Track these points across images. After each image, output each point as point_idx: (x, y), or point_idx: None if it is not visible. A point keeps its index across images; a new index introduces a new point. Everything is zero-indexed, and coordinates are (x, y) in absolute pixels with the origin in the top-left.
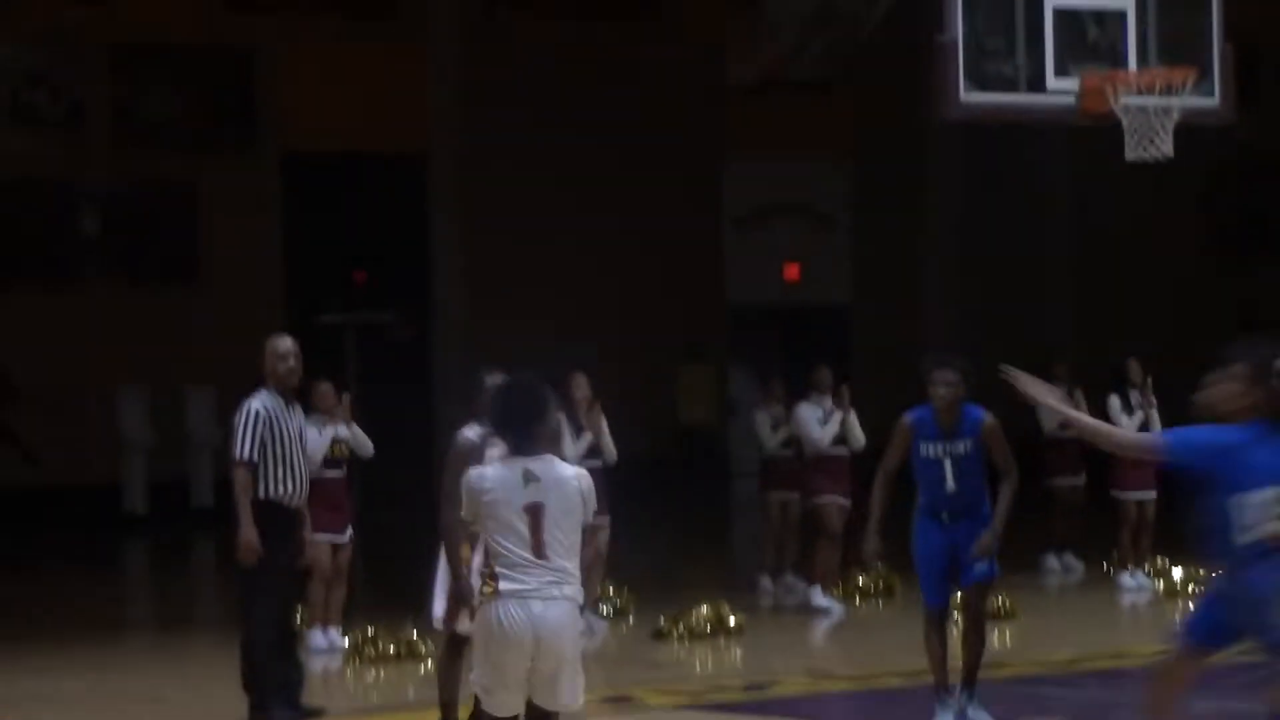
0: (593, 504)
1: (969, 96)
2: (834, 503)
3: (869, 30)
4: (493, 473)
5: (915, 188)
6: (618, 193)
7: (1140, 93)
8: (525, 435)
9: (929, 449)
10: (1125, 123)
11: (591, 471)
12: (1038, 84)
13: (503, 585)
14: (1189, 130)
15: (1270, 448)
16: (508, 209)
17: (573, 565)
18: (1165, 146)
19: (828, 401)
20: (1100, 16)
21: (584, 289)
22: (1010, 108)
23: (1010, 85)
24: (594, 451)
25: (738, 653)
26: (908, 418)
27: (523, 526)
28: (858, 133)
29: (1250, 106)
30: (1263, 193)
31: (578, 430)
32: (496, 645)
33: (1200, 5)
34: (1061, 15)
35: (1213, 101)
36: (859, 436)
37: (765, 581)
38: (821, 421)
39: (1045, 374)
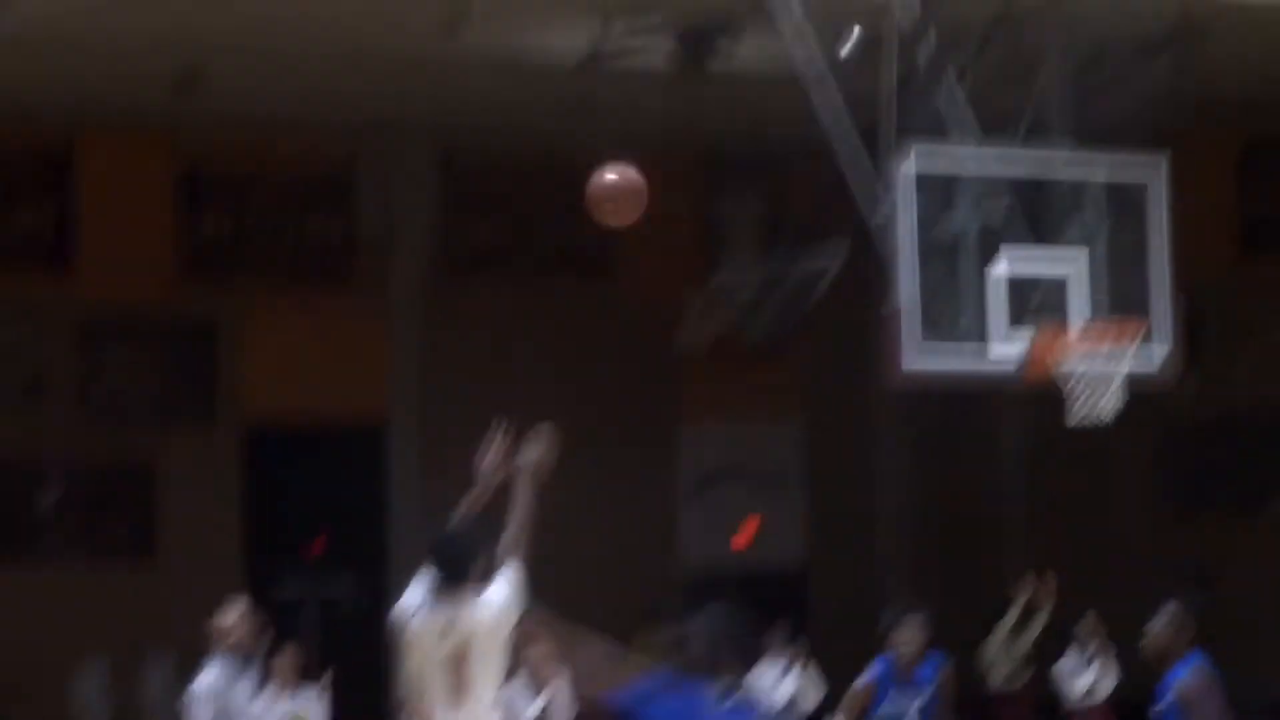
0: None
1: (917, 361)
2: None
3: (818, 298)
4: None
5: (866, 449)
6: (574, 462)
7: (1085, 355)
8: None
9: (891, 703)
10: (1070, 386)
11: None
12: (983, 348)
13: None
14: (1141, 389)
15: None
16: (467, 478)
17: None
18: (1110, 407)
19: (784, 661)
20: (1044, 280)
21: (541, 557)
22: (958, 372)
23: (957, 350)
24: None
25: None
26: (866, 680)
27: None
28: (808, 397)
29: (1195, 365)
30: (1217, 451)
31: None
32: None
33: (1145, 264)
34: (1007, 281)
35: (1155, 362)
36: (811, 693)
37: None
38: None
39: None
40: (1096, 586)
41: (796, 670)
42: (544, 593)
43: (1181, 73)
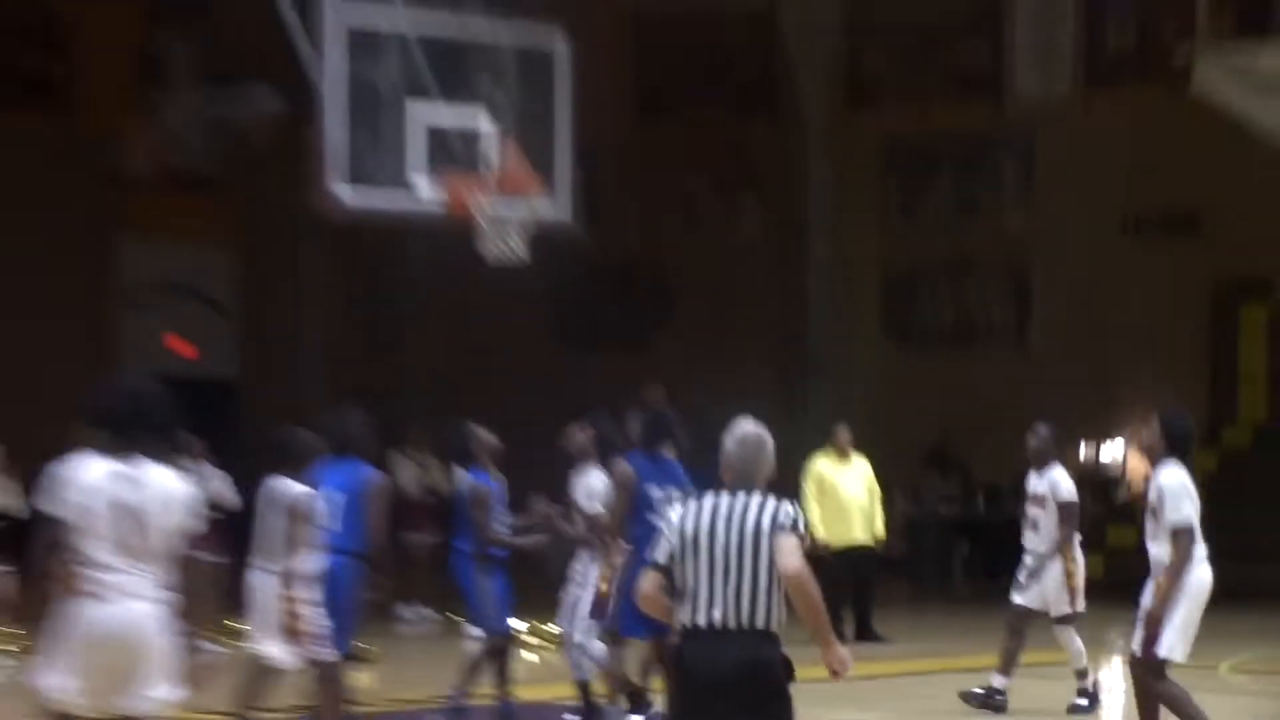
0: None
1: (345, 196)
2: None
3: (257, 132)
4: None
5: (296, 274)
6: (21, 275)
7: (497, 197)
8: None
9: None
10: (483, 227)
11: None
12: (407, 187)
13: None
14: (538, 237)
15: None
16: None
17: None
18: (518, 249)
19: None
20: (463, 132)
21: None
22: (382, 208)
23: (383, 188)
24: None
25: None
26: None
27: None
28: (245, 223)
29: (591, 215)
30: (600, 292)
31: None
32: None
33: (551, 125)
34: (428, 128)
35: (560, 211)
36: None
37: None
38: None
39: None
40: (492, 413)
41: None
42: None
43: None
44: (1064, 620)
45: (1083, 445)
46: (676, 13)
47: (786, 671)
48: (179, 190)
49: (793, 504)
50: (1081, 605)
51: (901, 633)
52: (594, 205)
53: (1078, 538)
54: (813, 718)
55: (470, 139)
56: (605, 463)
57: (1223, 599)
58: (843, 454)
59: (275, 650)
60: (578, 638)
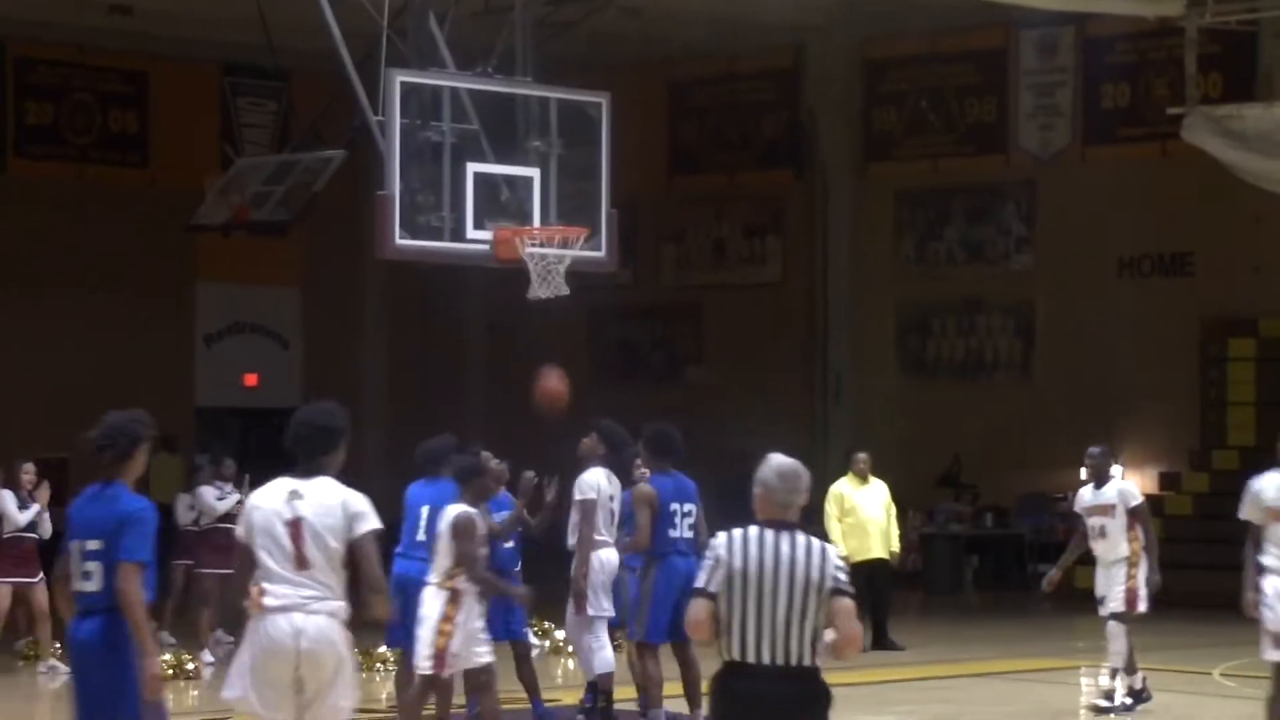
0: None
1: (403, 241)
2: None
3: (320, 184)
4: None
5: (354, 312)
6: (108, 310)
7: (542, 245)
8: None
9: None
10: (529, 268)
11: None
12: (460, 234)
13: None
14: (579, 278)
15: None
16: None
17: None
18: (561, 288)
19: (228, 485)
20: (512, 182)
21: (81, 387)
22: (437, 252)
23: (438, 234)
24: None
25: (194, 694)
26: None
27: None
28: (308, 267)
29: (629, 259)
30: (636, 329)
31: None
32: None
33: (593, 177)
34: (480, 179)
35: (601, 254)
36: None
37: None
38: (219, 498)
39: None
40: (535, 441)
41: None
42: (81, 416)
43: (623, 19)
44: (1119, 618)
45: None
46: (707, 74)
47: (827, 703)
48: (250, 238)
49: (834, 552)
50: (1143, 607)
51: (916, 640)
52: (632, 249)
53: (1143, 541)
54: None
55: (518, 189)
56: (611, 463)
57: (1216, 609)
58: (862, 477)
59: (438, 660)
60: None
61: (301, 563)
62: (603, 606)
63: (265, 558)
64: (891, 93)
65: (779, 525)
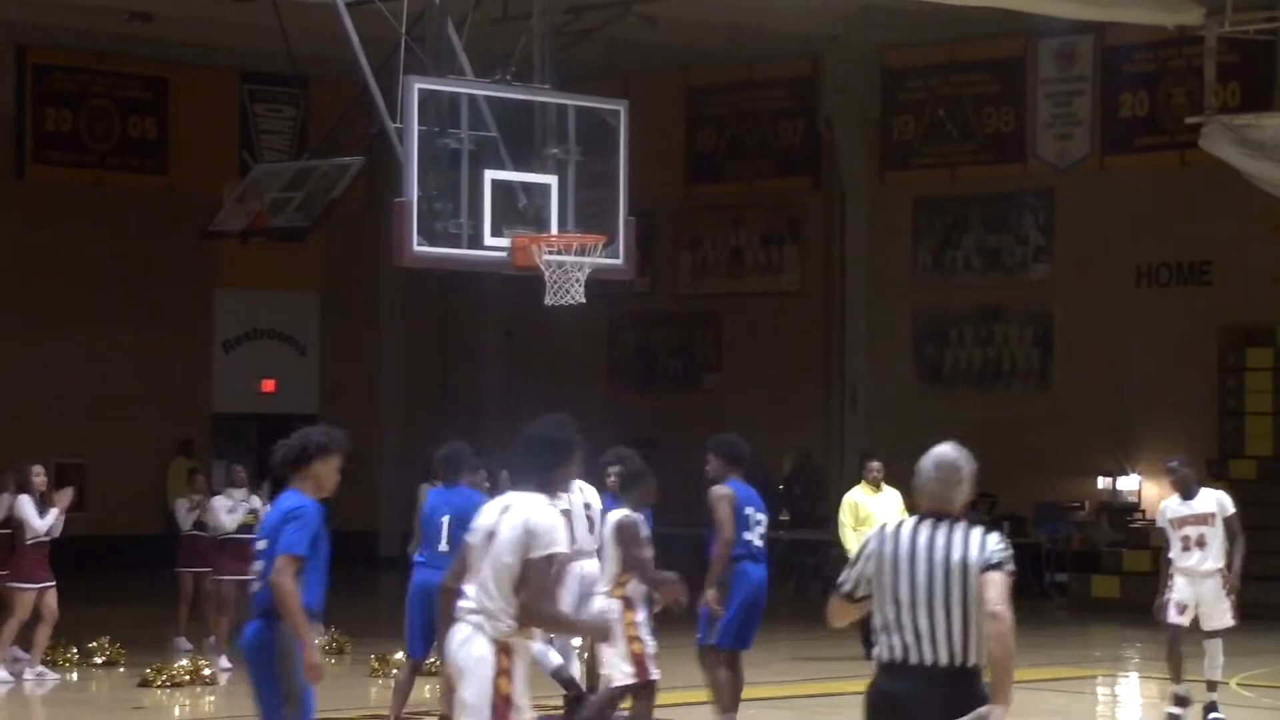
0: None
1: (420, 248)
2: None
3: (339, 190)
4: None
5: (372, 318)
6: (126, 316)
7: (559, 252)
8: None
9: None
10: (546, 275)
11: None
12: (477, 241)
13: None
14: (597, 285)
15: None
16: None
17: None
18: (578, 295)
19: (242, 492)
20: (530, 189)
21: (99, 397)
22: (455, 259)
23: (455, 241)
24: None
25: (210, 699)
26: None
27: None
28: (326, 272)
29: (647, 267)
30: (655, 336)
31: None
32: None
33: (611, 184)
34: (498, 186)
35: (619, 261)
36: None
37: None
38: (230, 510)
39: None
40: None
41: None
42: (99, 421)
43: (641, 27)
44: (1217, 634)
45: (1101, 477)
46: (726, 83)
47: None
48: (268, 244)
49: (999, 536)
50: (1235, 618)
51: None
52: (650, 257)
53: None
54: None
55: (536, 196)
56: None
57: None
58: (875, 485)
59: (640, 666)
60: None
61: (478, 574)
62: None
63: (472, 564)
64: (909, 101)
65: (938, 516)
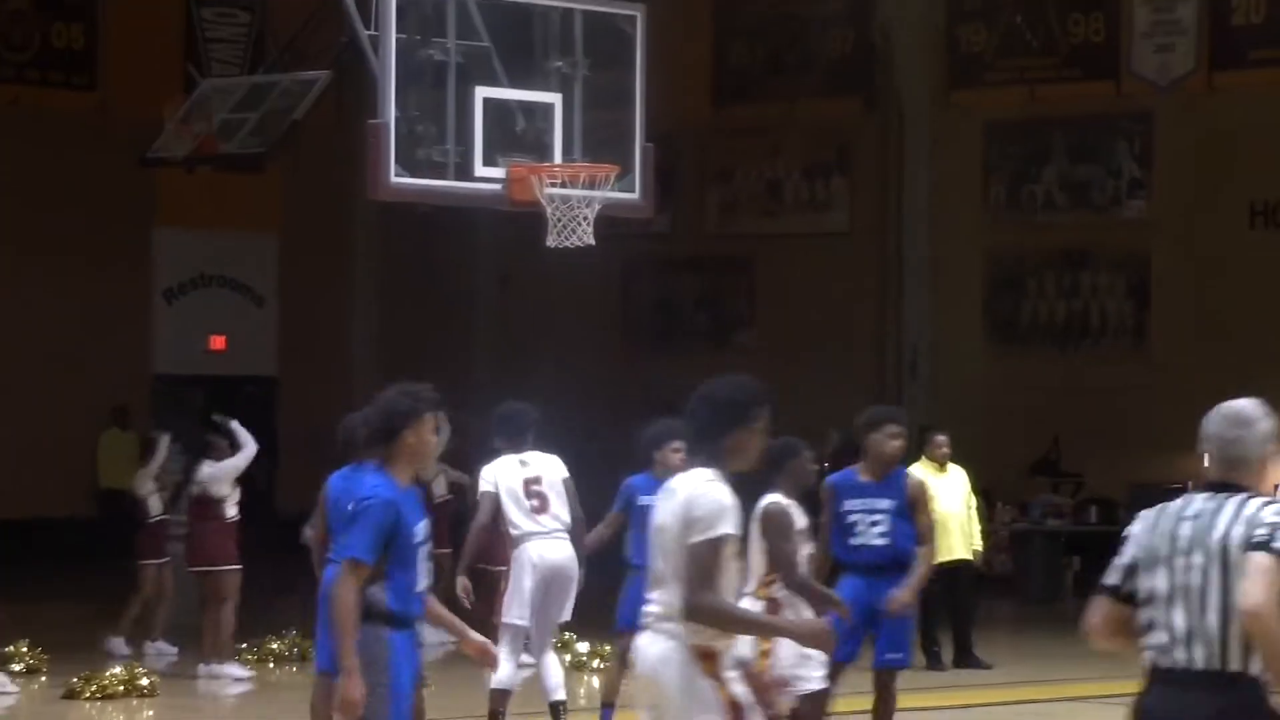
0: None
1: (399, 179)
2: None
3: (301, 111)
4: None
5: (342, 263)
6: (47, 259)
7: (564, 185)
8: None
9: None
10: (549, 212)
11: None
12: (467, 171)
13: None
14: (609, 224)
15: None
16: None
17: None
18: (586, 236)
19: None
20: (529, 110)
21: (7, 355)
22: (440, 192)
23: (440, 171)
24: None
25: (148, 713)
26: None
27: None
28: (287, 209)
29: (668, 203)
30: (675, 285)
31: None
32: None
33: (625, 104)
34: (491, 106)
35: (634, 196)
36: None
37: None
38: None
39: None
40: (567, 407)
41: None
42: (14, 384)
43: None
44: None
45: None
46: None
47: None
48: (218, 174)
49: (1274, 509)
50: None
51: (1006, 657)
52: (671, 192)
53: None
54: None
55: (536, 119)
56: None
57: None
58: (940, 464)
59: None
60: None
61: (659, 574)
62: (513, 613)
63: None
64: (981, 6)
65: (1219, 487)
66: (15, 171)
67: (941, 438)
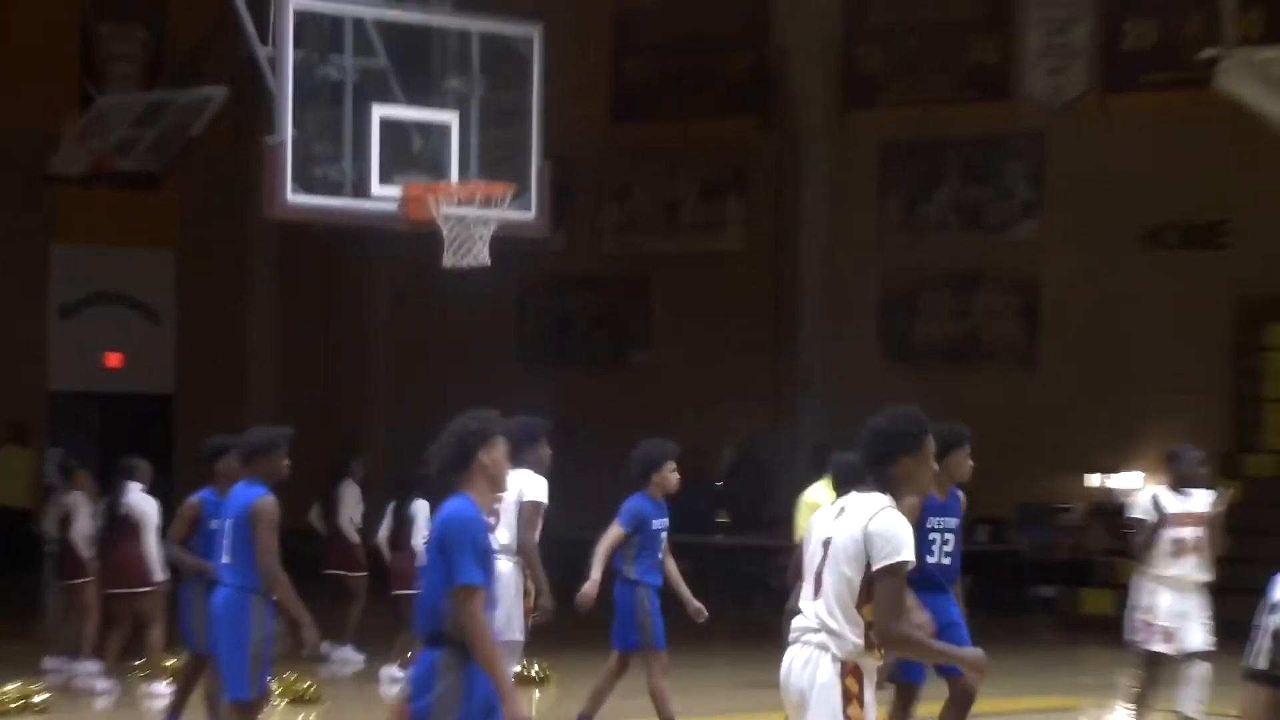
0: None
1: (296, 197)
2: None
3: (198, 128)
4: None
5: (239, 280)
6: None
7: (460, 204)
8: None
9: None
10: (445, 231)
11: None
12: (363, 189)
13: None
14: (505, 243)
15: None
16: None
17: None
18: (482, 255)
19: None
20: (426, 129)
21: None
22: (336, 211)
23: (337, 189)
24: None
25: None
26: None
27: None
28: (185, 226)
29: (564, 222)
30: (571, 304)
31: None
32: None
33: (522, 123)
34: (388, 125)
35: (530, 215)
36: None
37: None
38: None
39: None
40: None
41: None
42: None
43: None
44: (1202, 656)
45: (1094, 474)
46: (660, 3)
47: None
48: (115, 191)
49: None
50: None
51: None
52: (568, 210)
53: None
54: None
55: (433, 138)
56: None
57: (1240, 637)
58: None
59: None
60: None
61: (816, 588)
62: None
63: (804, 579)
64: (878, 28)
65: None
66: None
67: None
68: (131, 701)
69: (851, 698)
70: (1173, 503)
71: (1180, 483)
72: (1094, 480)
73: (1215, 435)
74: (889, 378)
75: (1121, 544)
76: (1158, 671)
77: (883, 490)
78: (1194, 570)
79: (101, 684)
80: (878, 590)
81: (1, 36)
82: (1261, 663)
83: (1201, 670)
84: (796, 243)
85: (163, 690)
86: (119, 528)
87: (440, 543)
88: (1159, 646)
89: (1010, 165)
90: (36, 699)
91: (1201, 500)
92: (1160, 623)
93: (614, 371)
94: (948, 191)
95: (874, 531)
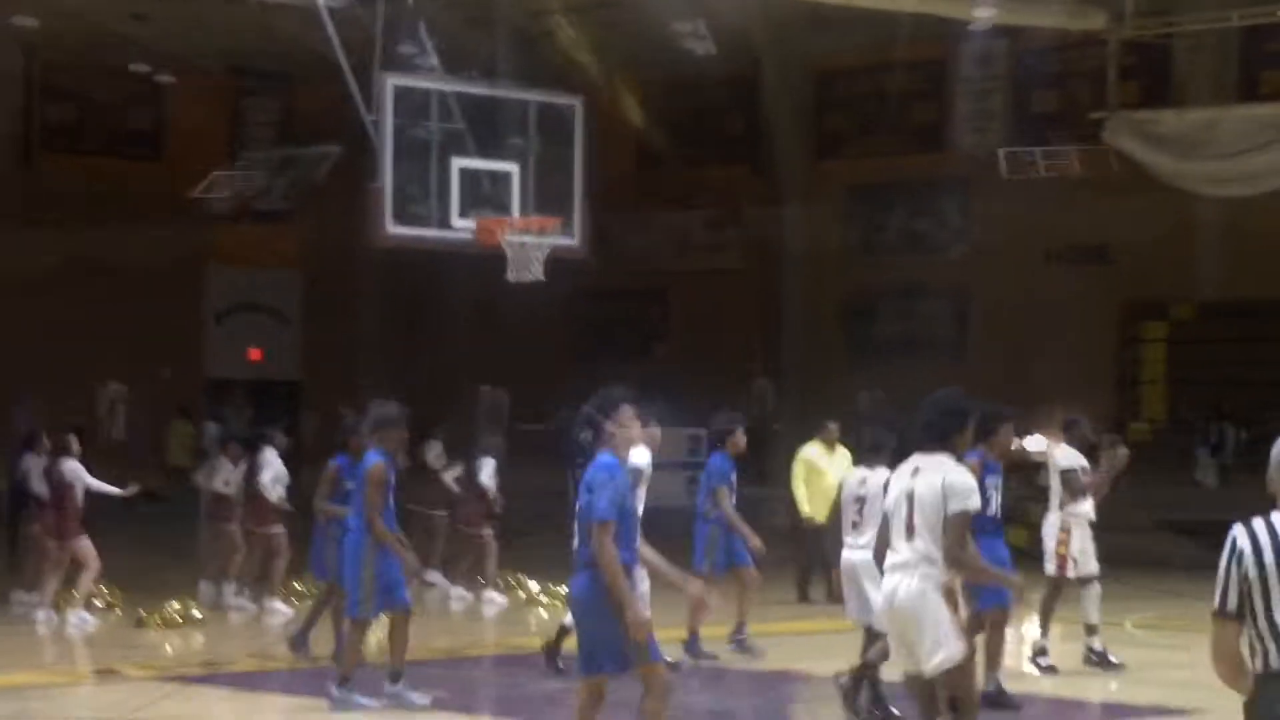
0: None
1: (395, 228)
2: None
3: (319, 176)
4: None
5: (351, 293)
6: (133, 291)
7: (520, 233)
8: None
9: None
10: (509, 254)
11: None
12: (446, 222)
13: None
14: (555, 263)
15: None
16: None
17: None
18: (538, 272)
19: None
20: (494, 176)
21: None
22: (425, 239)
23: (425, 222)
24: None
25: (200, 639)
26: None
27: None
28: (308, 251)
29: (600, 246)
30: (606, 310)
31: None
32: None
33: (567, 171)
34: (465, 174)
35: (574, 241)
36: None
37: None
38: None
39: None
40: (523, 407)
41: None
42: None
43: (599, 30)
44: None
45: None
46: (673, 78)
47: None
48: (256, 225)
49: None
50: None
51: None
52: (603, 238)
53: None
54: (792, 667)
55: (499, 183)
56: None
57: (1131, 565)
58: (830, 445)
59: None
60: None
61: (910, 530)
62: None
63: (892, 525)
64: (842, 98)
65: None
66: (102, 224)
67: (833, 425)
68: (257, 616)
69: (953, 609)
70: (1074, 459)
71: (1076, 444)
72: (1012, 442)
73: (1105, 409)
74: (853, 367)
75: (1033, 491)
76: (1059, 592)
77: (949, 452)
78: (1091, 511)
79: (238, 601)
80: (949, 527)
81: (178, 108)
82: (1231, 605)
83: (1096, 588)
84: (781, 262)
85: (283, 608)
86: (258, 484)
87: (588, 486)
88: (1069, 573)
89: (945, 201)
90: (194, 611)
91: (1104, 459)
92: (1070, 554)
93: (640, 362)
94: (897, 222)
95: (950, 483)
